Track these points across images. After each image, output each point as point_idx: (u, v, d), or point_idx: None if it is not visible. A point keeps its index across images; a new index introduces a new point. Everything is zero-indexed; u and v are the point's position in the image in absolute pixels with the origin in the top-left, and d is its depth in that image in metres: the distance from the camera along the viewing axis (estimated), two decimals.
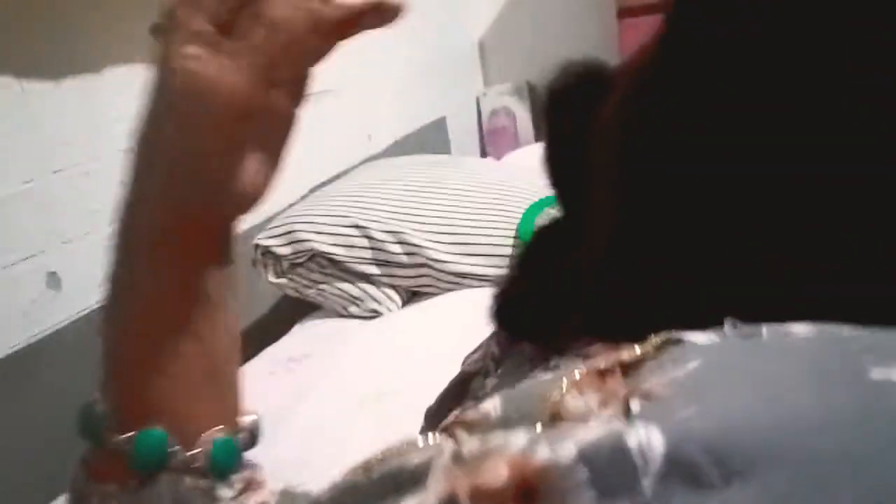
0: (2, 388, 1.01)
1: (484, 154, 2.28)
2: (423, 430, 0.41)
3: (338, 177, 1.52)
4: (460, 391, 0.39)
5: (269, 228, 1.26)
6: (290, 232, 1.22)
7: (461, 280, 1.21)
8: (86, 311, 1.12)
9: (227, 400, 0.32)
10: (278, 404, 0.94)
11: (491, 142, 2.28)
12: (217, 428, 0.30)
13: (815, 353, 0.19)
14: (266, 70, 0.27)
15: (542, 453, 0.17)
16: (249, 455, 0.32)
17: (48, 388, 1.07)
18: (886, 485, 0.15)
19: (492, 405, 0.22)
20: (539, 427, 0.19)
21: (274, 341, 1.21)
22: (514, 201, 1.25)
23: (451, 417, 0.23)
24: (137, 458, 0.29)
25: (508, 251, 1.20)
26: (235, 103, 0.26)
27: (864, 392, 0.17)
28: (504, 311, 0.35)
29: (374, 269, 1.22)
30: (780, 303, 0.22)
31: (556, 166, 0.33)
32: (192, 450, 0.29)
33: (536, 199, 1.23)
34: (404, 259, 1.21)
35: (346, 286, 1.23)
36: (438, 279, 1.22)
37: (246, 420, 0.33)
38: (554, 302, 0.31)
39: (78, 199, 1.12)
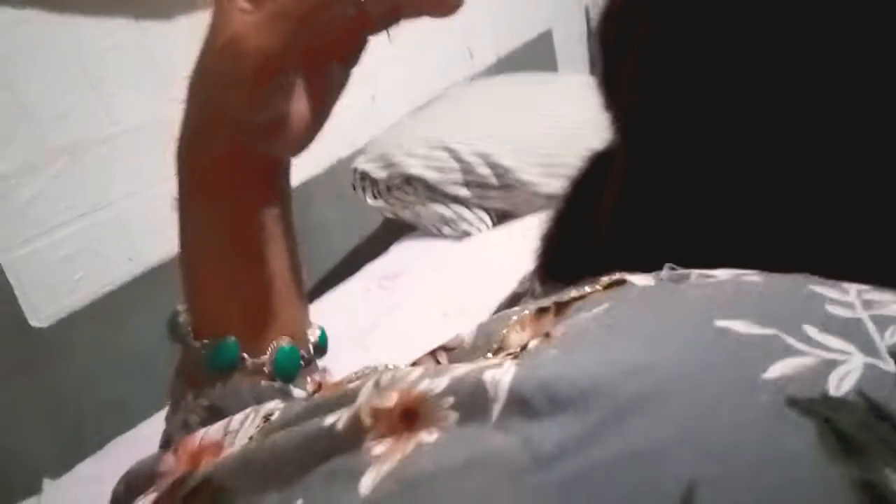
0: (144, 299, 1.15)
1: (593, 74, 2.19)
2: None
3: (438, 97, 1.54)
4: (508, 309, 0.41)
5: (367, 152, 1.32)
6: (384, 155, 1.27)
7: (550, 201, 1.20)
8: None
9: (291, 315, 0.35)
10: (370, 318, 1.01)
11: None
12: (282, 338, 0.34)
13: (695, 302, 0.20)
14: (295, 32, 0.27)
15: (424, 384, 0.20)
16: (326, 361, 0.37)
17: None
18: (678, 420, 0.16)
19: (467, 332, 0.25)
20: (481, 360, 0.22)
21: (373, 260, 1.28)
22: (602, 117, 1.21)
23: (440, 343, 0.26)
24: (211, 362, 0.33)
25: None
26: (260, 63, 0.28)
27: (698, 339, 0.18)
28: (543, 252, 0.36)
29: (464, 191, 1.25)
30: (771, 249, 0.23)
31: (604, 90, 0.32)
32: (260, 356, 0.34)
33: None
34: (493, 181, 1.23)
35: (438, 207, 1.27)
36: (527, 200, 1.23)
37: (312, 331, 0.37)
38: (590, 240, 0.32)
39: None
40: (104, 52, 1.09)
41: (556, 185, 1.20)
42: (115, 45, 1.10)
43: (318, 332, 0.37)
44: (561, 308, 0.22)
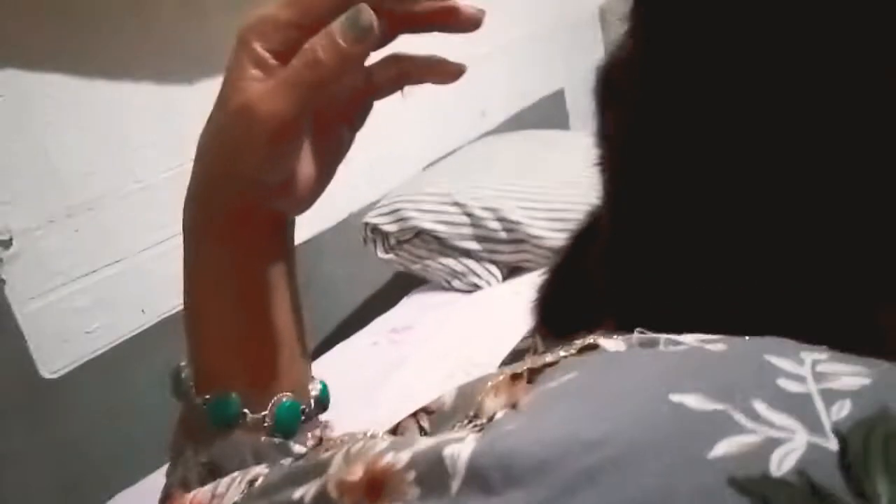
0: (153, 351, 1.16)
1: None
2: None
3: (450, 154, 1.57)
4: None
5: (378, 207, 1.34)
6: (395, 210, 1.29)
7: None
8: None
9: (293, 370, 0.36)
10: (377, 372, 1.01)
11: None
12: (283, 393, 0.34)
13: (655, 373, 0.20)
14: (307, 99, 0.29)
15: (388, 457, 0.20)
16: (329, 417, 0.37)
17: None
18: (627, 498, 0.16)
19: (448, 395, 0.25)
20: (457, 426, 0.22)
21: (383, 313, 1.29)
22: None
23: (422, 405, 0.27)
24: (213, 417, 0.34)
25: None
26: (274, 127, 0.29)
27: (652, 413, 0.18)
28: (541, 308, 0.36)
29: (474, 245, 1.26)
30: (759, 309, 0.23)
31: (595, 146, 0.33)
32: (261, 411, 0.34)
33: None
34: (503, 235, 1.24)
35: (448, 261, 1.28)
36: (537, 255, 1.23)
37: (314, 385, 0.37)
38: (585, 297, 0.32)
39: None
40: (130, 114, 1.13)
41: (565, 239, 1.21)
42: (140, 107, 1.15)
43: (319, 387, 0.37)
44: (533, 374, 0.22)
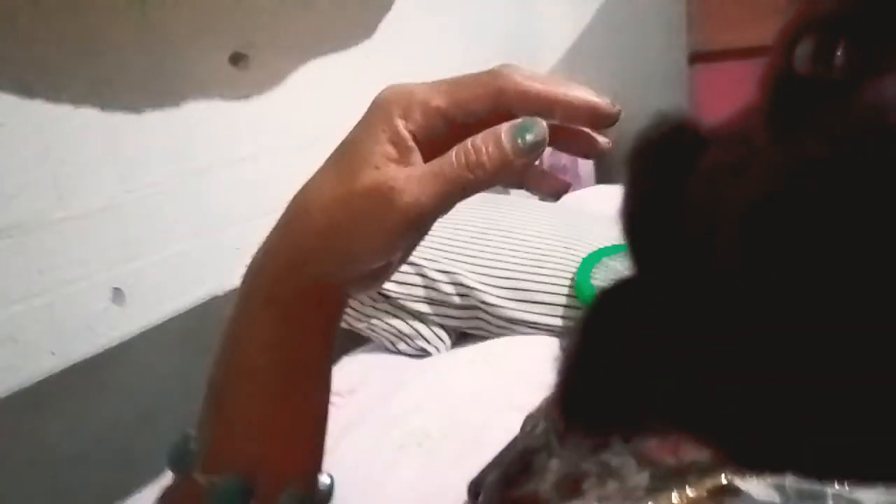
0: (66, 395, 1.05)
1: None
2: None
3: None
4: (522, 468, 0.36)
5: None
6: None
7: (513, 325, 1.19)
8: (148, 327, 1.17)
9: (309, 460, 0.33)
10: (329, 437, 0.94)
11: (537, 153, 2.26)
12: (292, 489, 0.31)
13: None
14: (453, 198, 0.28)
15: None
16: None
17: (112, 396, 1.11)
18: None
19: None
20: None
21: None
22: (573, 248, 1.23)
23: None
24: (217, 500, 0.30)
25: (564, 300, 1.18)
26: (414, 217, 0.27)
27: None
28: (568, 392, 0.33)
29: (425, 308, 1.22)
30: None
31: (636, 221, 0.31)
32: (268, 501, 0.31)
33: (595, 248, 1.21)
34: (456, 300, 1.21)
35: (396, 322, 1.23)
36: (489, 322, 1.21)
37: (323, 480, 0.34)
38: (621, 385, 0.29)
39: (148, 218, 1.16)
40: (68, 138, 1.04)
41: (520, 308, 1.19)
42: (79, 132, 1.05)
43: (328, 481, 0.35)
44: None
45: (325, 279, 0.29)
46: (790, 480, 0.19)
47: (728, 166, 0.27)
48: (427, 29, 1.76)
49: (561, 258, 1.23)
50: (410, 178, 0.27)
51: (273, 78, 1.39)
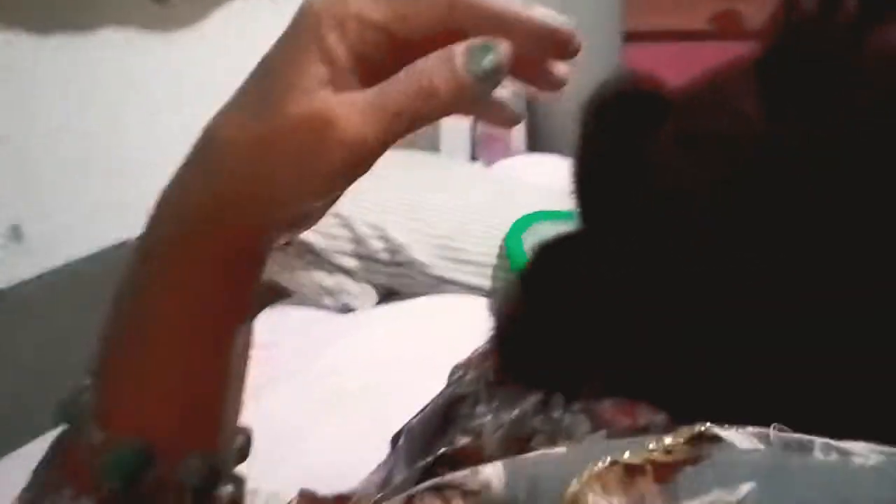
0: None
1: (474, 158, 2.26)
2: (404, 451, 0.38)
3: None
4: (449, 417, 0.36)
5: None
6: None
7: (440, 284, 1.18)
8: (49, 268, 1.08)
9: (221, 420, 0.29)
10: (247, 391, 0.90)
11: (483, 147, 2.26)
12: (198, 451, 0.28)
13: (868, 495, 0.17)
14: (402, 130, 0.24)
15: None
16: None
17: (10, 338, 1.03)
18: None
19: (495, 474, 0.20)
20: None
21: None
22: (503, 211, 1.23)
23: (446, 477, 0.21)
24: (114, 466, 0.27)
25: (493, 261, 1.18)
26: (357, 155, 0.23)
27: None
28: (509, 350, 0.32)
29: (352, 262, 1.19)
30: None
31: (588, 178, 0.30)
32: (173, 467, 0.27)
33: (524, 214, 1.21)
34: (384, 255, 1.19)
35: (321, 275, 1.20)
36: (416, 281, 1.19)
37: (238, 439, 0.31)
38: (569, 343, 0.29)
39: (52, 153, 1.08)
40: None
41: (450, 268, 1.18)
42: None
43: (242, 439, 0.31)
44: (663, 473, 0.18)
45: (245, 228, 0.26)
46: (774, 434, 0.19)
47: (710, 133, 0.26)
48: None
49: (491, 220, 1.23)
50: (351, 106, 0.23)
51: (195, 16, 1.31)
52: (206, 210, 0.25)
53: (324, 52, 0.23)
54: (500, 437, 0.30)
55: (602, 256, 0.28)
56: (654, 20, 1.73)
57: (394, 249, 1.18)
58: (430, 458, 0.31)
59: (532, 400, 0.30)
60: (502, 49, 0.23)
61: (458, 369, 0.38)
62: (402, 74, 0.23)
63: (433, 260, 1.18)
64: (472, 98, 0.24)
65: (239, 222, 0.25)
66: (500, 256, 1.17)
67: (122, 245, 1.19)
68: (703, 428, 0.19)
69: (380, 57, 0.24)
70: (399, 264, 1.19)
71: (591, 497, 0.17)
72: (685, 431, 0.19)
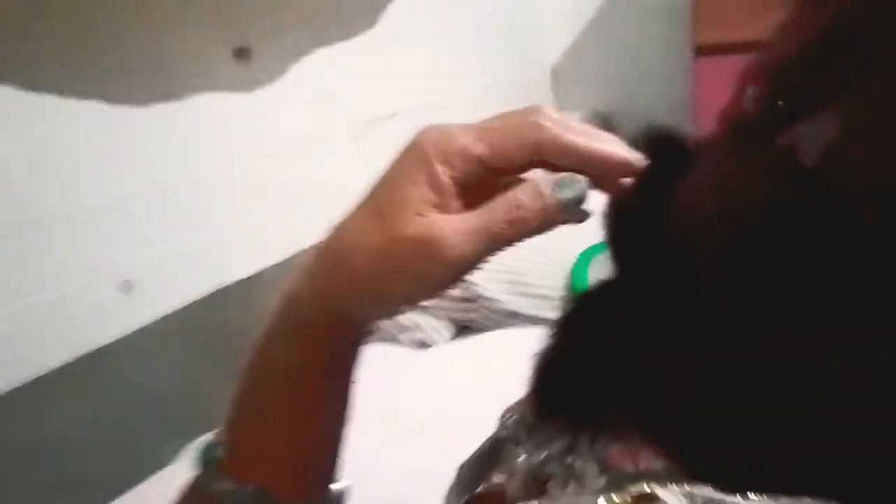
0: (75, 386, 1.08)
1: None
2: (455, 490, 0.42)
3: None
4: (493, 457, 0.39)
5: None
6: None
7: (511, 318, 1.21)
8: (154, 318, 1.19)
9: (326, 472, 0.35)
10: None
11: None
12: (303, 496, 0.33)
13: None
14: (493, 250, 0.28)
15: None
16: None
17: (120, 386, 1.14)
18: None
19: None
20: None
21: None
22: (569, 243, 1.25)
23: None
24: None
25: (560, 293, 1.19)
26: (457, 272, 0.28)
27: None
28: (540, 388, 0.34)
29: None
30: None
31: (619, 224, 0.32)
32: None
33: (593, 243, 1.22)
34: (455, 292, 1.23)
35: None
36: (488, 315, 1.23)
37: (335, 488, 0.36)
38: (593, 384, 0.31)
39: (155, 212, 1.19)
40: (75, 133, 1.06)
41: (520, 302, 1.21)
42: (86, 127, 1.07)
43: (340, 488, 0.37)
44: None
45: (357, 317, 0.31)
46: (703, 491, 0.21)
47: (713, 180, 0.27)
48: (430, 19, 1.76)
49: (559, 252, 1.24)
50: (456, 230, 0.27)
51: (276, 71, 1.41)
52: (327, 298, 0.31)
53: (433, 180, 0.28)
54: (521, 480, 0.33)
55: (626, 305, 0.30)
56: (723, 33, 1.70)
57: (465, 286, 1.23)
58: (466, 497, 0.35)
59: (559, 443, 0.33)
60: (582, 185, 0.28)
61: (508, 411, 0.41)
62: (499, 203, 0.28)
63: (502, 295, 1.21)
64: (557, 224, 0.29)
65: (353, 312, 0.31)
66: (566, 288, 1.19)
67: (219, 291, 1.29)
68: (648, 489, 0.22)
69: (475, 180, 0.29)
70: (469, 300, 1.23)
71: None
72: (631, 490, 0.22)
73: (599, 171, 0.29)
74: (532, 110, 0.29)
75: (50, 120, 1.04)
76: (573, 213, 0.29)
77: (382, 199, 0.29)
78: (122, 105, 1.13)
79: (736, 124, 0.26)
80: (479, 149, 0.28)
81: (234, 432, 0.34)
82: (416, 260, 0.28)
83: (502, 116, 0.30)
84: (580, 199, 0.28)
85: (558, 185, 0.28)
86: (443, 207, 0.28)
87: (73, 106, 1.06)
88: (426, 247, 0.27)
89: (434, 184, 0.28)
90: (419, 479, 0.85)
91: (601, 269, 0.33)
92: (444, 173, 0.28)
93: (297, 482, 0.33)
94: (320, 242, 0.32)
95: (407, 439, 0.96)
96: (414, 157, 0.28)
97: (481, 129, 0.29)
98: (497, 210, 0.28)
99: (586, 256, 1.20)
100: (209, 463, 0.34)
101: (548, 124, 0.29)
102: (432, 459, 0.88)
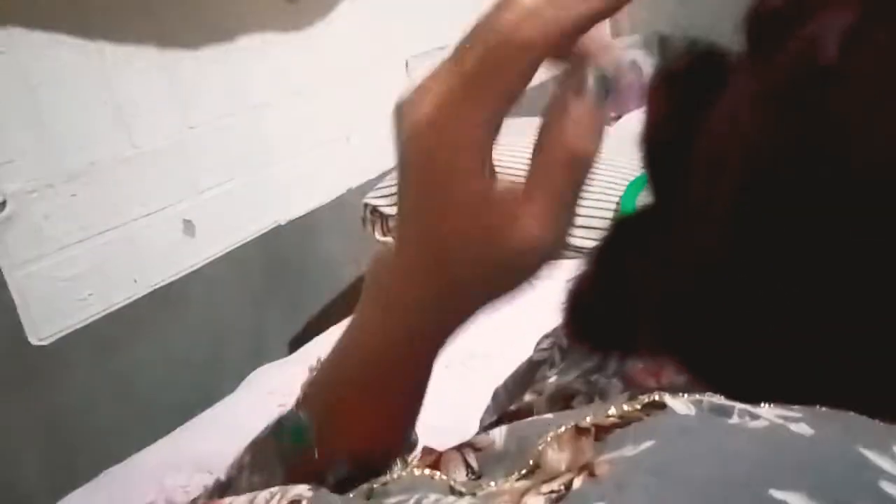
0: (149, 319, 1.15)
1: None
2: (490, 411, 0.44)
3: None
4: (528, 379, 0.40)
5: (379, 188, 1.32)
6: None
7: (566, 253, 1.20)
8: (215, 256, 1.25)
9: (412, 427, 0.36)
10: None
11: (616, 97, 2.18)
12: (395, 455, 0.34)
13: (749, 461, 0.19)
14: (562, 214, 0.27)
15: None
16: None
17: (187, 321, 1.22)
18: None
19: (499, 433, 0.25)
20: (516, 474, 0.22)
21: None
22: (620, 172, 1.22)
23: (470, 437, 0.26)
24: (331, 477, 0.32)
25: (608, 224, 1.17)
26: (544, 260, 0.27)
27: None
28: (573, 312, 0.34)
29: None
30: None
31: (655, 150, 0.31)
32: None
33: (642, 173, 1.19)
34: None
35: None
36: None
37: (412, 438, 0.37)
38: (624, 307, 0.31)
39: (211, 153, 1.23)
40: (131, 78, 1.10)
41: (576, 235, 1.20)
42: (141, 71, 1.11)
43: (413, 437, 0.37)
44: (601, 433, 0.22)
45: (451, 316, 0.30)
46: (708, 397, 0.22)
47: (733, 104, 0.26)
48: None
49: (608, 182, 1.22)
50: (548, 229, 0.26)
51: (326, 8, 1.41)
52: (421, 301, 0.30)
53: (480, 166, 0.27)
54: (548, 396, 0.34)
55: (659, 228, 0.30)
56: None
57: None
58: (495, 417, 0.36)
59: (589, 364, 0.34)
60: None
61: (544, 338, 0.42)
62: (552, 167, 0.27)
63: None
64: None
65: (448, 313, 0.30)
66: (615, 218, 1.17)
67: (275, 228, 1.34)
68: (656, 397, 0.22)
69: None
70: None
71: (549, 452, 0.22)
72: (643, 399, 0.22)
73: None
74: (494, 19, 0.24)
75: (106, 68, 1.08)
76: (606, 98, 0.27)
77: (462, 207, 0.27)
78: (182, 49, 1.17)
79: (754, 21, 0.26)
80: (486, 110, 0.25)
81: (319, 416, 0.33)
82: (516, 258, 0.27)
83: (474, 37, 0.25)
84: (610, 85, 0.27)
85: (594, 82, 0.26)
86: (515, 201, 0.26)
87: (129, 52, 1.10)
88: (524, 249, 0.27)
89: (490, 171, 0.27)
90: (460, 400, 0.88)
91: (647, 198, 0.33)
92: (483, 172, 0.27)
93: (389, 445, 0.34)
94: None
95: (454, 366, 0.99)
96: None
97: (473, 76, 0.25)
98: (555, 176, 0.27)
99: (636, 186, 1.17)
100: (298, 436, 0.34)
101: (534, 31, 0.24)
102: (475, 383, 0.90)
